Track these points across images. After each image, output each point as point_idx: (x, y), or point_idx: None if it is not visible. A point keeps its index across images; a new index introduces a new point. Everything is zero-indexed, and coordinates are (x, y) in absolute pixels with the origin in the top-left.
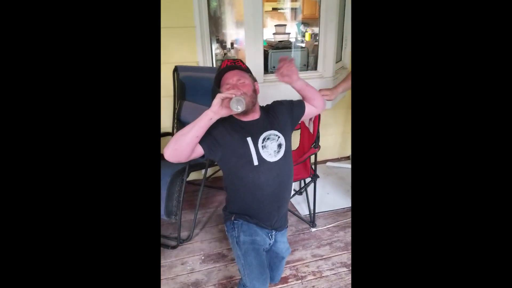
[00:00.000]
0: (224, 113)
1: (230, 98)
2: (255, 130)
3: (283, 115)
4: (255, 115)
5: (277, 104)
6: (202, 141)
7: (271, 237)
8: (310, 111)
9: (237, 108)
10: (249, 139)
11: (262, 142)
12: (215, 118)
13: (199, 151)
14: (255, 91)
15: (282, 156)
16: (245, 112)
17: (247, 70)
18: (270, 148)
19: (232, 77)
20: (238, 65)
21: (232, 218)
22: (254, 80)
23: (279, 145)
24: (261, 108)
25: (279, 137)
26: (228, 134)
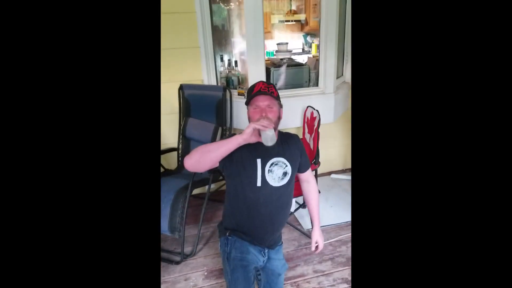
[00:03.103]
0: (252, 140)
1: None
2: (267, 153)
3: (296, 150)
4: None
5: (296, 139)
6: None
7: (264, 254)
8: (300, 175)
9: (269, 143)
10: (258, 161)
11: (270, 166)
12: (243, 143)
13: (216, 164)
14: (279, 118)
15: (285, 184)
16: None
17: (277, 98)
18: (276, 173)
19: (263, 101)
20: (270, 92)
21: (227, 234)
22: (281, 106)
23: (285, 173)
24: (280, 133)
25: (286, 165)
26: (243, 153)
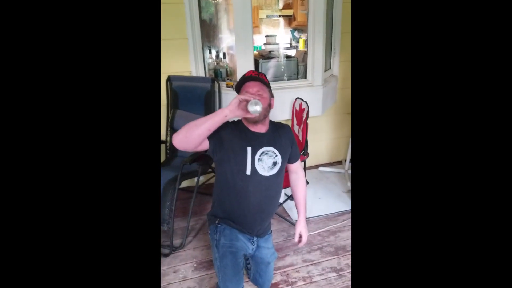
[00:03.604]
0: (239, 114)
1: (247, 101)
2: (258, 142)
3: (287, 140)
4: (262, 128)
5: (287, 129)
6: (210, 138)
7: (253, 242)
8: (289, 166)
9: (255, 109)
10: (249, 149)
11: (260, 155)
12: (229, 116)
13: (205, 145)
14: (269, 106)
15: (274, 174)
16: (255, 122)
17: (267, 85)
18: (265, 163)
19: (252, 87)
20: (260, 78)
21: (216, 222)
22: (272, 96)
23: (274, 163)
24: (271, 123)
25: (276, 155)
26: (233, 139)
